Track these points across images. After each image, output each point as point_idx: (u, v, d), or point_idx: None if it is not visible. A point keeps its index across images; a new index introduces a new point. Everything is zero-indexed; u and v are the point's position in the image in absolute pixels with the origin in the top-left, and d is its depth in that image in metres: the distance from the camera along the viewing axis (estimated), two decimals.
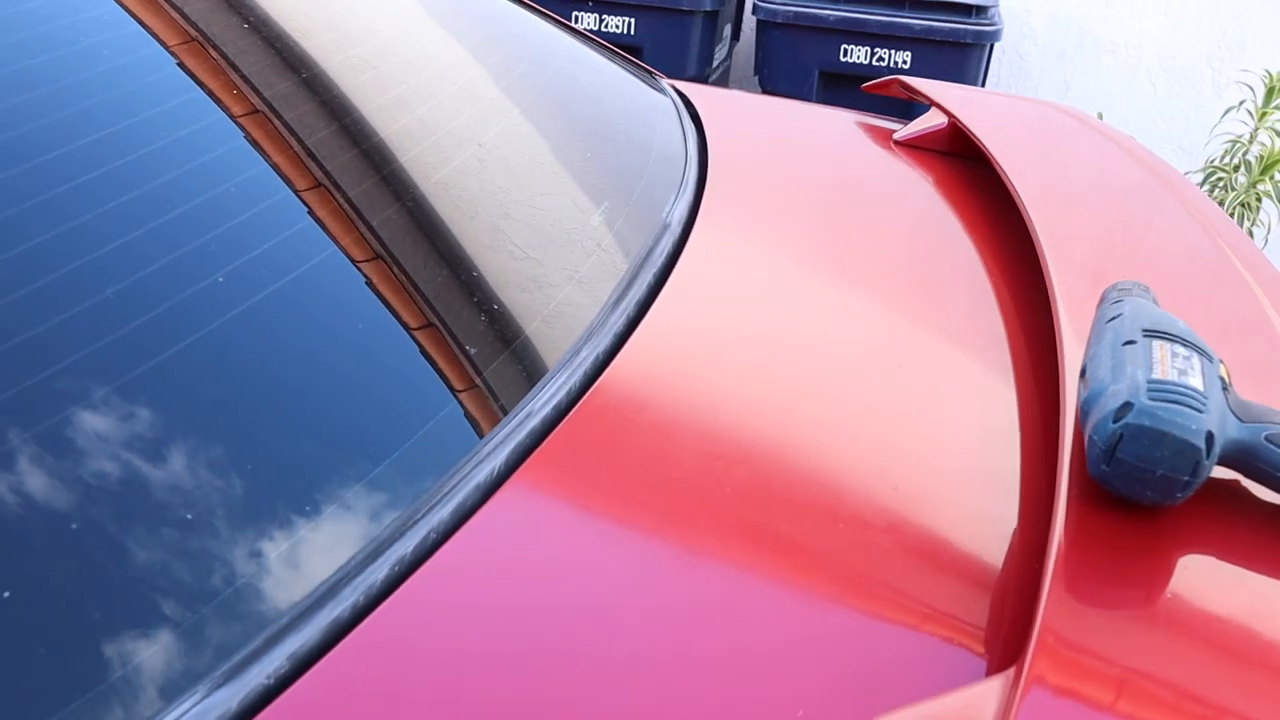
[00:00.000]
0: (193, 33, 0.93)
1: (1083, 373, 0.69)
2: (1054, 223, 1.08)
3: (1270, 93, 2.96)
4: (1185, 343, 0.66)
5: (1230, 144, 3.02)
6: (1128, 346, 0.66)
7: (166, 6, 0.94)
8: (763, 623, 0.64)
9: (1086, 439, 0.64)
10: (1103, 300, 0.78)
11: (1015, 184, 1.16)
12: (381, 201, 0.88)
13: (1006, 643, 0.64)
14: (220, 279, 0.73)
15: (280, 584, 0.59)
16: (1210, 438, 0.61)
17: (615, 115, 1.33)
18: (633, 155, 1.21)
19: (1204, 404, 0.62)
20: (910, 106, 3.01)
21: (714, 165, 1.24)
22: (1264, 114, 2.98)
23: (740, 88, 3.52)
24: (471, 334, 0.82)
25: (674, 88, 1.61)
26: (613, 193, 1.09)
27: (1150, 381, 0.62)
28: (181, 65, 0.90)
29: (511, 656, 0.59)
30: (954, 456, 0.79)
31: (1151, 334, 0.67)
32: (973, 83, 3.07)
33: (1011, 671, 0.54)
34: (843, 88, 3.05)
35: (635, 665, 0.60)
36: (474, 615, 0.61)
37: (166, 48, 0.92)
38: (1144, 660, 0.57)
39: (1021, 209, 1.10)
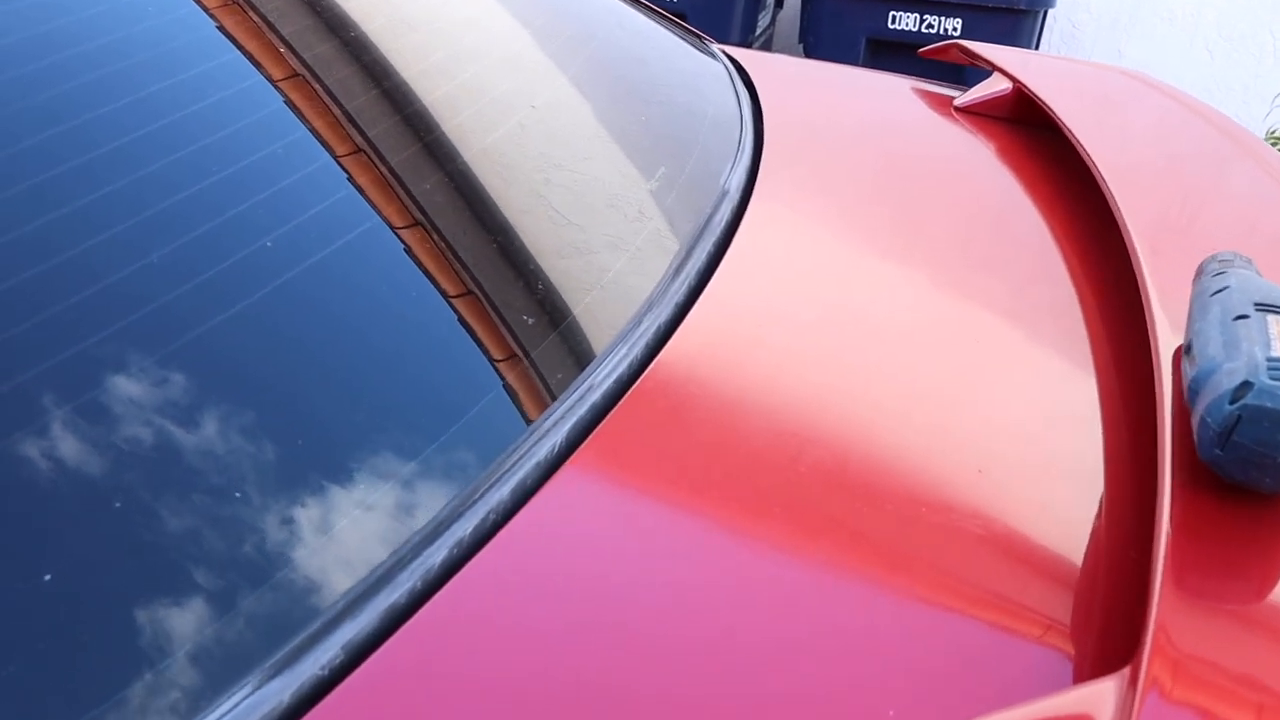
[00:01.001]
0: None
1: (1187, 349, 0.64)
2: (1133, 192, 1.02)
3: None
4: None
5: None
6: (1240, 321, 0.62)
7: None
8: (844, 614, 0.60)
9: (1196, 421, 0.60)
10: (1201, 272, 0.73)
11: (1090, 152, 1.10)
12: (434, 171, 0.84)
13: (1102, 637, 0.60)
14: (269, 244, 0.69)
15: (333, 570, 0.55)
16: None
17: (667, 80, 1.28)
18: (687, 121, 1.16)
19: None
20: (962, 74, 2.94)
21: (770, 131, 1.19)
22: None
23: None
24: (529, 306, 0.78)
25: (725, 53, 1.56)
26: (668, 159, 1.05)
27: (1270, 359, 0.57)
28: (220, 27, 0.87)
29: (575, 642, 0.55)
30: (1039, 437, 0.74)
31: (1265, 308, 0.62)
32: None
33: (1126, 672, 0.49)
34: (891, 55, 2.98)
35: (707, 654, 0.56)
36: (536, 599, 0.58)
37: (205, 9, 0.88)
38: (1264, 660, 0.53)
39: (1098, 178, 1.04)
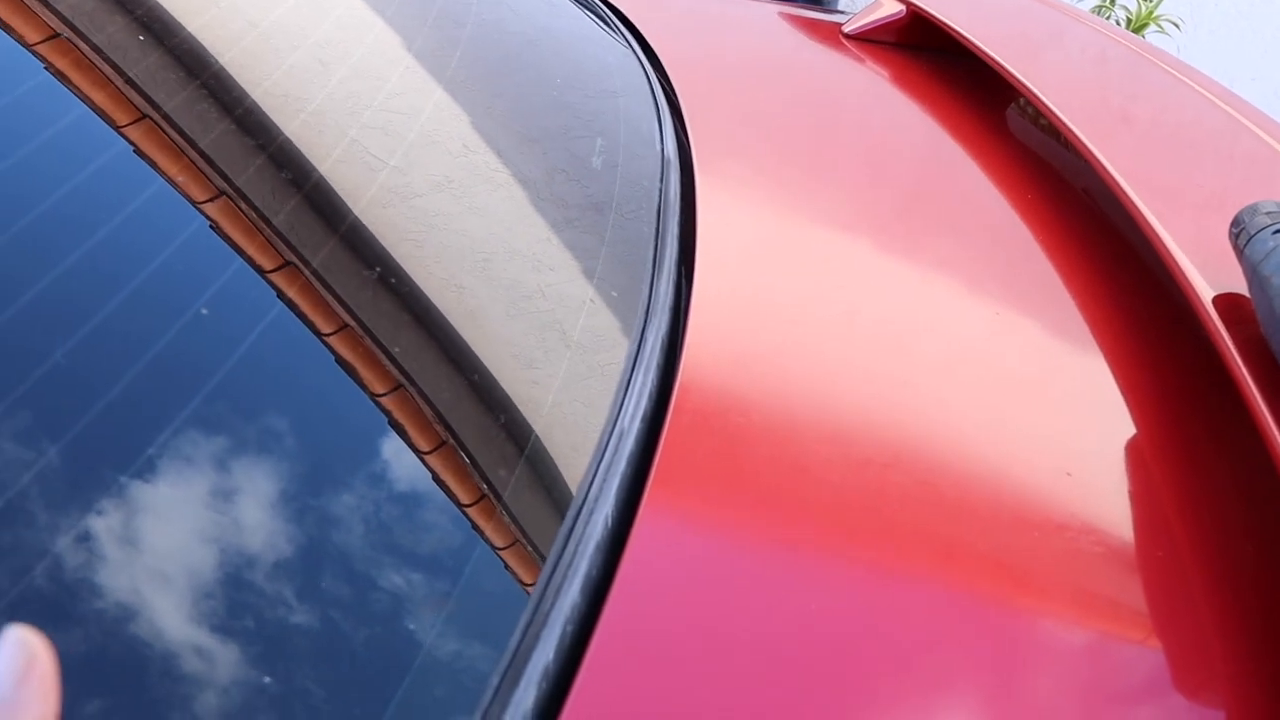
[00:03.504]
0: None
1: None
2: (1093, 125, 0.97)
3: None
4: None
5: (1095, 9, 3.01)
6: None
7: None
8: (985, 653, 0.52)
9: None
10: (1246, 230, 0.66)
11: (1029, 84, 1.04)
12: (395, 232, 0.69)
13: (1249, 653, 0.54)
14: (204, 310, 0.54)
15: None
16: None
17: (560, 51, 1.14)
18: (600, 85, 1.03)
19: None
20: None
21: (681, 91, 1.08)
22: None
23: None
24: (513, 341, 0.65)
25: None
26: (603, 131, 0.92)
27: None
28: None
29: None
30: (1107, 426, 0.68)
31: None
32: None
33: None
34: None
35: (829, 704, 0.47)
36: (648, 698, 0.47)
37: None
38: None
39: (1052, 115, 0.98)
